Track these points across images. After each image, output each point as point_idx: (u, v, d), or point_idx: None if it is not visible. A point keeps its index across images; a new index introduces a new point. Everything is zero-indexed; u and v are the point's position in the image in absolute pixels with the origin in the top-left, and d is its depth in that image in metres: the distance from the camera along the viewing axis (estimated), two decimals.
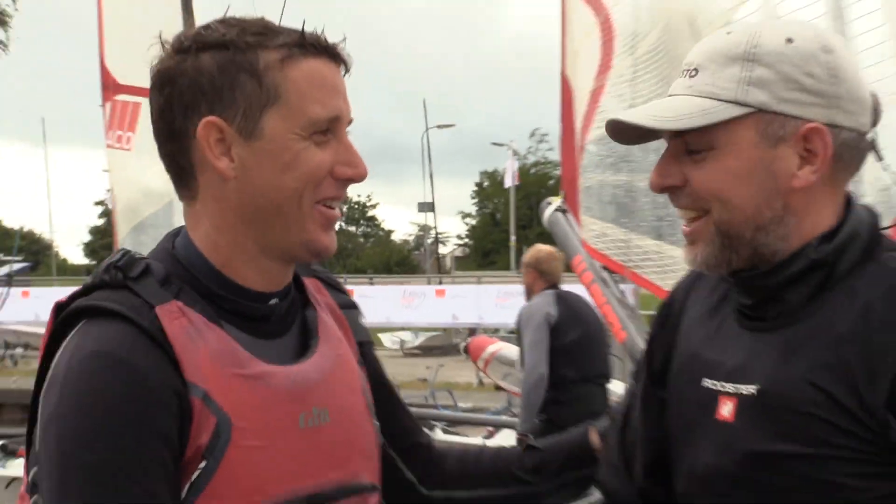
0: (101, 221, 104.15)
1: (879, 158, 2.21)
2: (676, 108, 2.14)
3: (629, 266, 4.40)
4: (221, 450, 2.08)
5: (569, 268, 5.23)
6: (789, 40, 2.06)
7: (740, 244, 2.12)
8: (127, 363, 2.00)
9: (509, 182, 62.75)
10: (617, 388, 11.53)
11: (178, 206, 2.44)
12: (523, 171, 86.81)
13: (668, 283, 4.19)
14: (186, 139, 2.17)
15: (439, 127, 67.35)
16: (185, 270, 2.21)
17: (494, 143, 74.89)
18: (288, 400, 2.19)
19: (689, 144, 2.13)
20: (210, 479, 2.08)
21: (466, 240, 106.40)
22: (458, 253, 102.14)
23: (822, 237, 2.10)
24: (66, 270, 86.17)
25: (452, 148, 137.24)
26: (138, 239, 12.37)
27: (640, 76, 4.41)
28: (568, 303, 9.76)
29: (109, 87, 12.53)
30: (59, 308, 2.14)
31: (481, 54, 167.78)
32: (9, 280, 27.34)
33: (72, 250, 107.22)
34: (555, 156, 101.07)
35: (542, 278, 9.88)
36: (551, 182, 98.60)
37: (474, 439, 12.04)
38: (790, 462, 2.04)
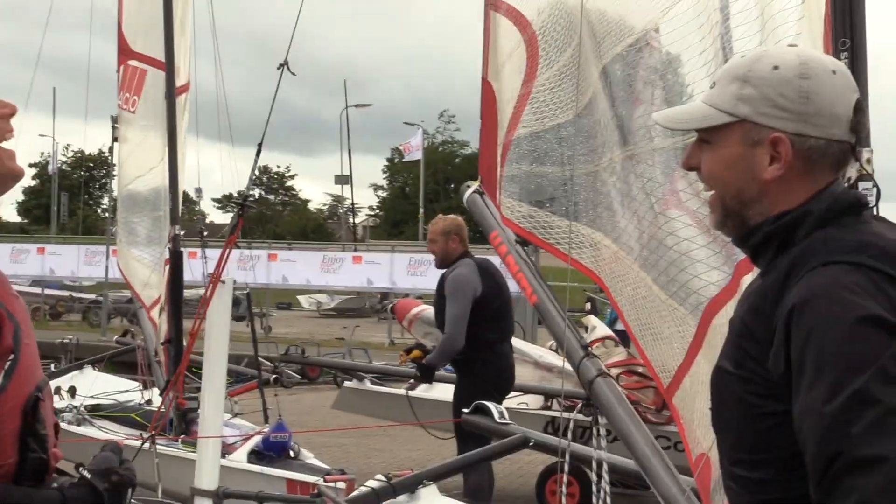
0: (34, 182, 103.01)
1: (856, 160, 2.63)
2: (690, 111, 2.70)
3: (546, 240, 4.87)
4: (19, 345, 2.82)
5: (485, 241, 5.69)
6: (775, 67, 2.51)
7: (732, 214, 2.61)
8: None
9: (417, 156, 62.80)
10: (516, 343, 12.30)
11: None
12: (432, 149, 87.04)
13: (576, 254, 4.70)
14: None
15: (357, 106, 67.41)
16: None
17: (406, 123, 75.07)
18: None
19: (702, 137, 2.65)
20: (15, 367, 2.77)
21: (378, 211, 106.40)
22: (370, 223, 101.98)
23: (779, 215, 2.52)
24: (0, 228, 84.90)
25: (366, 126, 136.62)
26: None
27: (559, 85, 4.90)
28: (489, 273, 10.45)
29: (124, 51, 13.00)
30: None
31: (396, 41, 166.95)
32: None
33: (6, 210, 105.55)
34: (461, 136, 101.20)
35: (460, 243, 10.57)
36: (457, 160, 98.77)
37: (398, 390, 12.52)
38: (725, 377, 2.51)
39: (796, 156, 2.51)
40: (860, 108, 2.56)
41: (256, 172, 10.61)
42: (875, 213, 2.72)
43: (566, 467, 4.71)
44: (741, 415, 2.47)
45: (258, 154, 8.41)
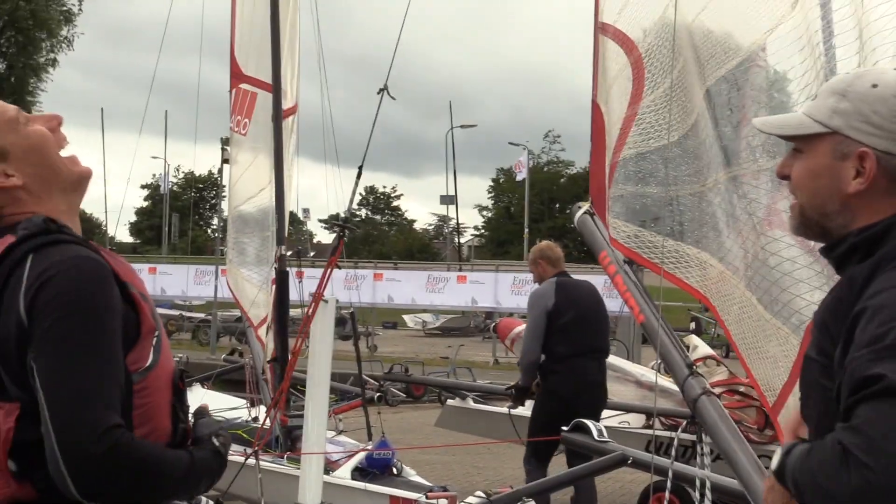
0: (146, 203, 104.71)
1: None
2: (787, 119, 2.77)
3: (651, 259, 4.86)
4: (158, 323, 2.92)
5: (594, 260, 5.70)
6: (874, 86, 2.57)
7: (811, 223, 2.67)
8: None
9: (523, 175, 62.90)
10: (616, 362, 12.23)
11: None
12: (536, 170, 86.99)
13: (682, 273, 4.69)
14: None
15: (462, 127, 67.56)
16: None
17: (511, 143, 75.26)
18: None
19: (796, 147, 2.70)
20: (161, 343, 2.88)
21: (483, 231, 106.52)
22: (475, 243, 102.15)
23: (862, 229, 2.56)
24: (114, 249, 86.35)
25: (471, 146, 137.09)
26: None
27: (664, 106, 4.88)
28: (566, 289, 10.73)
29: (236, 75, 13.26)
30: None
31: (500, 61, 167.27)
32: None
33: (119, 230, 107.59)
34: (566, 156, 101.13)
35: (550, 266, 10.91)
36: (562, 180, 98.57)
37: (501, 408, 12.49)
38: (809, 362, 2.62)
39: (880, 172, 2.55)
40: None
41: (362, 193, 10.72)
42: None
43: (669, 484, 4.68)
44: (820, 399, 2.53)
45: (359, 176, 8.48)
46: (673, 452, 4.71)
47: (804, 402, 2.67)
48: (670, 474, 4.65)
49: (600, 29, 5.33)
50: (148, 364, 2.81)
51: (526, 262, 17.26)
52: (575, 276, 11.25)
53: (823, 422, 2.49)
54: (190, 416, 3.05)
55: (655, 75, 4.95)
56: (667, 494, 4.81)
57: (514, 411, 11.82)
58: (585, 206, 5.36)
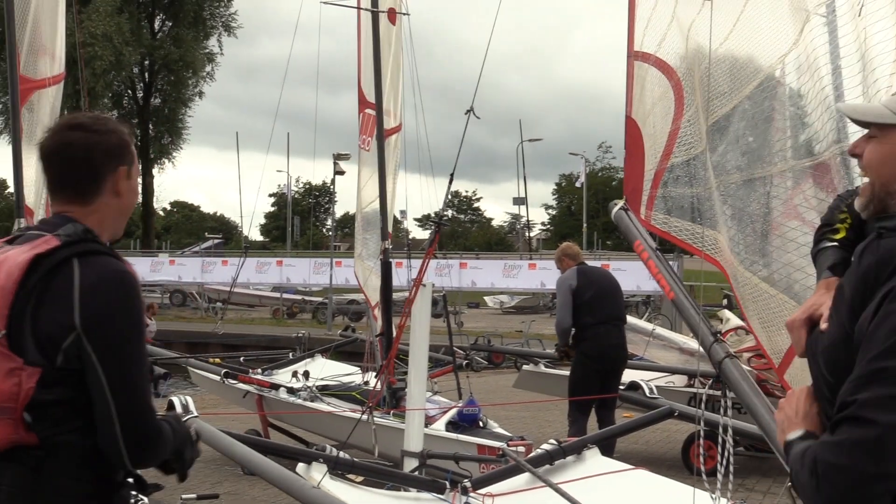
0: (273, 209, 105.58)
1: None
2: (870, 108, 2.67)
3: (697, 246, 4.83)
4: None
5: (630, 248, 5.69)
6: None
7: (877, 200, 2.55)
8: None
9: (580, 183, 62.67)
10: (662, 332, 12.20)
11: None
12: (592, 174, 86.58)
13: (719, 257, 4.67)
14: None
15: (529, 141, 67.37)
16: None
17: (571, 153, 74.84)
18: None
19: (871, 133, 2.59)
20: None
21: (549, 226, 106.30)
22: (542, 236, 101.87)
23: None
24: (248, 246, 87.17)
25: (536, 156, 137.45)
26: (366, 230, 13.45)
27: (697, 121, 4.86)
28: (586, 273, 11.36)
29: (362, 102, 13.54)
30: None
31: (556, 86, 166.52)
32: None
33: (252, 230, 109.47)
34: (617, 163, 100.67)
35: (571, 259, 11.47)
36: (614, 183, 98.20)
37: (567, 371, 12.49)
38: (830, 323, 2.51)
39: None
40: None
41: (449, 197, 10.86)
42: None
43: (702, 433, 4.69)
44: (838, 332, 2.45)
45: (450, 183, 8.59)
46: (702, 405, 4.71)
47: (829, 318, 2.57)
48: (701, 423, 4.65)
49: (641, 57, 5.30)
50: None
51: (585, 251, 17.34)
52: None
53: (833, 346, 2.48)
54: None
55: (689, 95, 4.93)
56: (701, 441, 4.80)
57: None
58: (621, 203, 5.34)
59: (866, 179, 2.63)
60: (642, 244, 5.04)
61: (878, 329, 2.25)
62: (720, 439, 4.40)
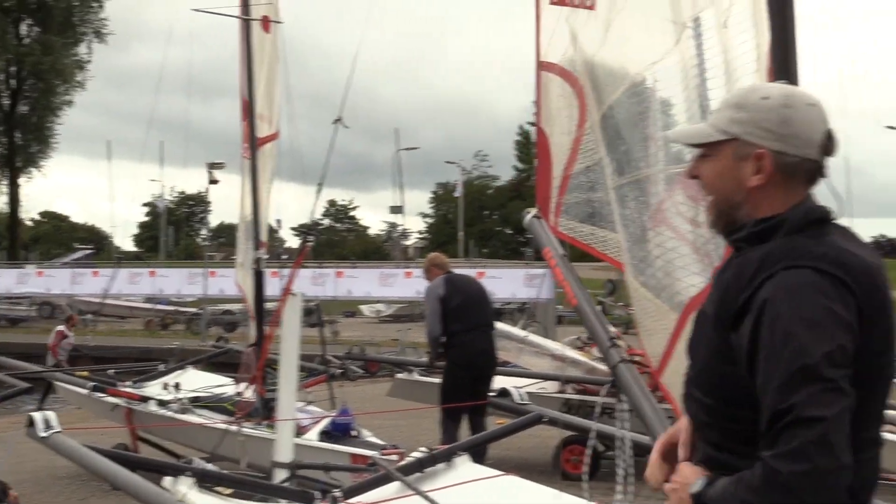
0: (147, 218, 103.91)
1: (824, 176, 2.61)
2: (696, 130, 2.73)
3: (600, 250, 4.88)
4: None
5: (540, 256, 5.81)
6: (764, 98, 2.57)
7: (724, 215, 2.63)
8: None
9: (458, 192, 63.14)
10: (535, 339, 12.29)
11: None
12: (469, 183, 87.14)
13: (618, 258, 4.70)
14: None
15: (406, 149, 67.57)
16: None
17: (447, 161, 75.18)
18: None
19: (703, 152, 2.67)
20: None
21: (426, 234, 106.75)
22: (419, 245, 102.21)
23: (760, 219, 2.55)
24: (120, 257, 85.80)
25: (413, 165, 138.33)
26: None
27: (595, 129, 4.91)
28: (453, 281, 11.37)
29: (245, 110, 13.21)
30: None
31: (434, 95, 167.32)
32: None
33: (125, 241, 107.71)
34: (492, 171, 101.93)
35: (438, 269, 11.49)
36: (489, 191, 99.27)
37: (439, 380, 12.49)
38: (704, 317, 2.62)
39: (776, 169, 2.55)
40: (830, 136, 2.60)
41: (325, 206, 10.87)
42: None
43: (591, 442, 4.73)
44: (708, 352, 2.56)
45: (319, 191, 8.70)
46: (597, 411, 4.76)
47: (692, 346, 2.67)
48: (593, 433, 4.69)
49: (546, 67, 5.35)
50: None
51: (462, 260, 17.37)
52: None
53: (704, 371, 2.57)
54: None
55: (590, 103, 4.97)
56: (589, 449, 4.85)
57: None
58: (533, 211, 5.40)
59: (709, 198, 2.69)
60: (551, 251, 5.11)
61: (774, 336, 2.33)
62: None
